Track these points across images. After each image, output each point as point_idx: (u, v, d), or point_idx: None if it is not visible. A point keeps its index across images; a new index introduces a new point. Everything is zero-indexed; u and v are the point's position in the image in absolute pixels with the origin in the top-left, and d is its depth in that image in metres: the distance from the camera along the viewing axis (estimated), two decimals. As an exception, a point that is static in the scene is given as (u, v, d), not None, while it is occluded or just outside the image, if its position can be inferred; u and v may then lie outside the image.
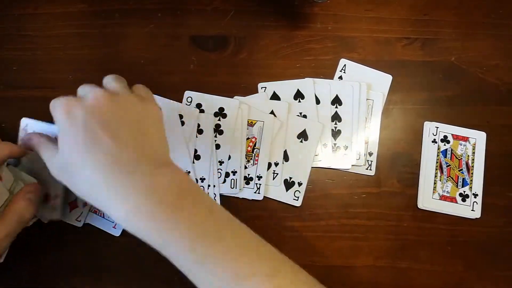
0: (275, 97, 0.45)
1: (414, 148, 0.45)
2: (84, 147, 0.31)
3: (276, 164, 0.44)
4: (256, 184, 0.43)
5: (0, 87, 0.46)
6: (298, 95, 0.45)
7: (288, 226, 0.43)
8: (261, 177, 0.43)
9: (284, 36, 0.48)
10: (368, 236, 0.43)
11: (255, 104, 0.45)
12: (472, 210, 0.43)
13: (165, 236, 0.30)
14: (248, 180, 0.43)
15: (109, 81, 0.36)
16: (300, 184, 0.43)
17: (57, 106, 0.33)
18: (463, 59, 0.47)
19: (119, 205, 0.30)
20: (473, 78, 0.47)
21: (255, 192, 0.43)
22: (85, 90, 0.34)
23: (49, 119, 0.44)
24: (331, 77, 0.46)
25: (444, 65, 0.47)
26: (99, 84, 0.35)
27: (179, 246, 0.30)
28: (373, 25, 0.48)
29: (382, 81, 0.46)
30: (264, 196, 0.43)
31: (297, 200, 0.43)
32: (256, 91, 0.46)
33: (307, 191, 0.43)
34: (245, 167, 0.43)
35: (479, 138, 0.45)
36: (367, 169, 0.44)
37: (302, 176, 0.43)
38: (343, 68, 0.46)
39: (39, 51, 0.47)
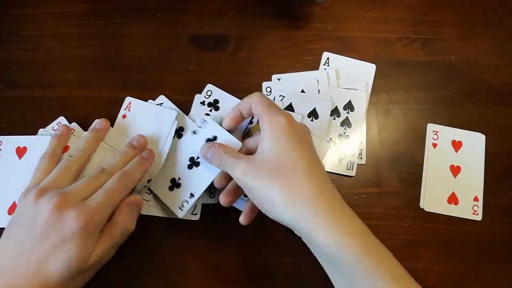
0: (289, 107, 0.45)
1: (415, 148, 0.45)
2: (310, 157, 0.35)
3: None
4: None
5: (0, 86, 0.46)
6: (313, 114, 0.44)
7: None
8: None
9: (284, 36, 0.48)
10: (369, 236, 0.43)
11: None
12: (475, 213, 0.43)
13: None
14: None
15: None
16: None
17: (279, 114, 0.36)
18: (463, 59, 0.47)
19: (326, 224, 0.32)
20: (473, 78, 0.47)
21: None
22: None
23: (51, 118, 0.45)
24: (331, 77, 0.46)
25: (444, 65, 0.47)
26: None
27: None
28: (373, 25, 0.48)
29: (365, 70, 0.46)
30: None
31: None
32: (256, 90, 0.45)
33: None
34: None
35: (478, 140, 0.45)
36: (348, 169, 0.44)
37: None
38: (327, 61, 0.46)
39: (39, 51, 0.47)
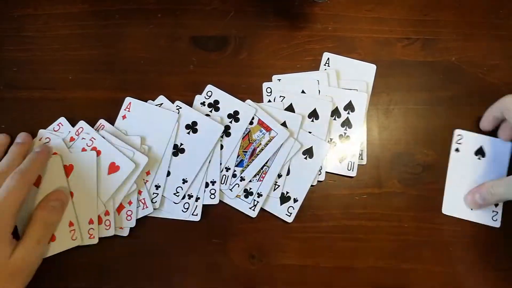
0: (290, 108, 0.45)
1: (415, 148, 0.45)
2: None
3: (279, 176, 0.43)
4: (254, 200, 0.42)
5: (0, 88, 0.46)
6: (313, 114, 0.44)
7: (289, 227, 0.43)
8: (261, 195, 0.42)
9: (284, 36, 0.48)
10: (369, 237, 0.43)
11: (269, 112, 0.44)
12: (494, 219, 0.43)
13: None
14: (248, 194, 0.43)
15: None
16: (295, 200, 0.43)
17: None
18: (464, 59, 0.47)
19: None
20: (474, 78, 0.47)
21: (250, 208, 0.42)
22: None
23: (51, 119, 0.44)
24: (332, 78, 0.46)
25: (444, 65, 0.47)
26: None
27: None
28: (373, 25, 0.48)
29: (366, 70, 0.46)
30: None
31: (289, 216, 0.42)
32: (256, 91, 0.46)
33: (308, 191, 0.43)
34: (250, 180, 0.43)
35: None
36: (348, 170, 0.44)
37: (299, 193, 0.43)
38: (327, 62, 0.46)
39: (39, 52, 0.47)
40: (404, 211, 0.43)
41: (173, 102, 0.44)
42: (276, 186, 0.43)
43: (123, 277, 0.41)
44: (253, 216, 0.42)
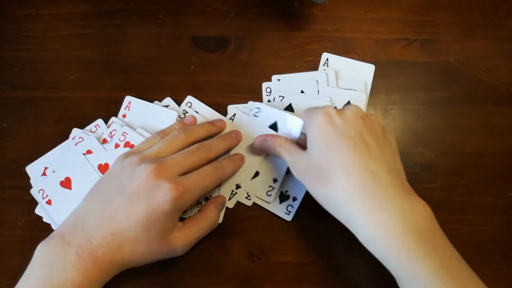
0: (289, 107, 0.45)
1: (413, 148, 0.45)
2: (347, 156, 0.33)
3: (275, 180, 0.43)
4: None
5: (2, 87, 0.46)
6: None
7: (288, 226, 0.43)
8: (296, 199, 0.43)
9: (284, 37, 0.48)
10: (368, 236, 0.43)
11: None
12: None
13: (410, 266, 0.30)
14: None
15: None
16: (294, 199, 0.43)
17: (317, 113, 0.36)
18: (462, 59, 0.48)
19: (371, 223, 0.31)
20: (472, 78, 0.47)
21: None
22: (347, 111, 0.36)
23: (53, 119, 0.45)
24: (331, 78, 0.47)
25: (443, 65, 0.47)
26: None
27: (423, 279, 0.30)
28: (372, 26, 0.48)
29: (364, 71, 0.47)
30: (255, 204, 0.43)
31: (288, 214, 0.43)
32: (256, 91, 0.46)
33: (307, 190, 0.43)
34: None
35: None
36: None
37: (298, 191, 0.43)
38: (326, 62, 0.47)
39: (40, 52, 0.47)
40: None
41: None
42: (270, 187, 0.43)
43: (123, 275, 0.42)
44: (289, 220, 0.43)
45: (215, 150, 0.40)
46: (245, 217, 0.43)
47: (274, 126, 0.43)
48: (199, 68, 0.47)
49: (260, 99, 0.46)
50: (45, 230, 0.41)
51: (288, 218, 0.43)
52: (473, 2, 0.49)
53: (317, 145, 0.35)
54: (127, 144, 0.42)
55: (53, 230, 0.38)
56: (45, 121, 0.45)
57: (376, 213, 0.31)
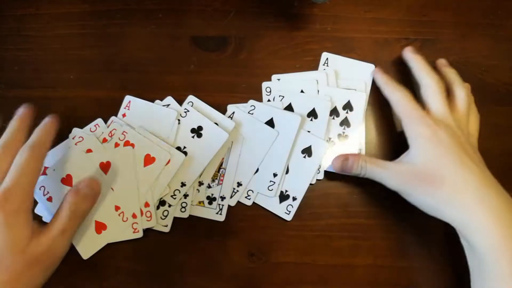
0: (289, 107, 0.45)
1: (413, 148, 0.45)
2: (456, 163, 0.36)
3: (275, 175, 0.43)
4: (219, 204, 0.42)
5: (1, 86, 0.46)
6: (312, 113, 0.45)
7: (288, 226, 0.43)
8: (224, 198, 0.42)
9: (284, 37, 0.48)
10: (368, 235, 0.43)
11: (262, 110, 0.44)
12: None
13: None
14: (211, 200, 0.43)
15: None
16: (294, 199, 0.43)
17: (421, 124, 0.38)
18: (462, 59, 0.48)
19: (490, 228, 0.34)
20: (472, 78, 0.47)
21: (217, 213, 0.42)
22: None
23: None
24: (331, 77, 0.47)
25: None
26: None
27: None
28: (372, 26, 0.48)
29: (364, 70, 0.46)
30: (255, 203, 0.43)
31: (288, 214, 0.43)
32: (256, 91, 0.46)
33: (307, 190, 0.43)
34: (209, 186, 0.43)
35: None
36: None
37: (298, 191, 0.43)
38: (326, 62, 0.47)
39: (40, 51, 0.47)
40: (402, 210, 0.44)
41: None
42: (271, 183, 0.43)
43: (123, 276, 0.42)
44: (222, 220, 0.42)
45: (10, 134, 0.36)
46: (245, 217, 0.43)
47: (270, 122, 0.43)
48: (199, 67, 0.47)
49: (260, 99, 0.46)
50: (44, 229, 0.41)
51: (288, 218, 0.43)
52: (473, 2, 0.49)
53: (423, 154, 0.38)
54: (126, 143, 0.42)
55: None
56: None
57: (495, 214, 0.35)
